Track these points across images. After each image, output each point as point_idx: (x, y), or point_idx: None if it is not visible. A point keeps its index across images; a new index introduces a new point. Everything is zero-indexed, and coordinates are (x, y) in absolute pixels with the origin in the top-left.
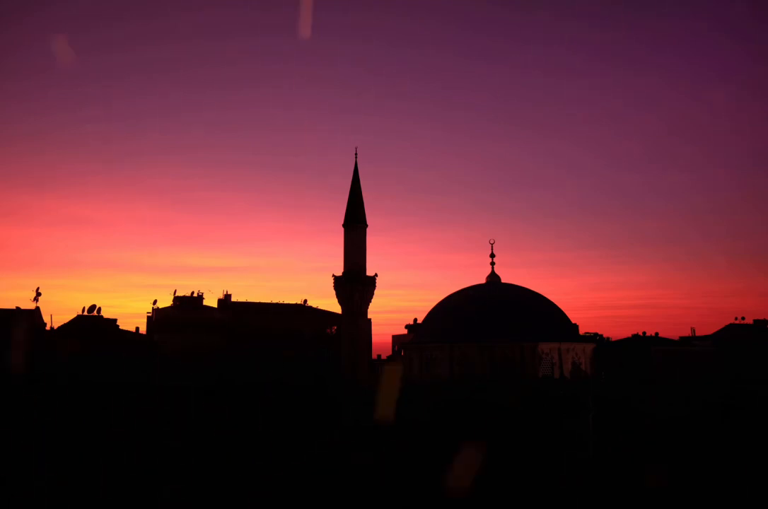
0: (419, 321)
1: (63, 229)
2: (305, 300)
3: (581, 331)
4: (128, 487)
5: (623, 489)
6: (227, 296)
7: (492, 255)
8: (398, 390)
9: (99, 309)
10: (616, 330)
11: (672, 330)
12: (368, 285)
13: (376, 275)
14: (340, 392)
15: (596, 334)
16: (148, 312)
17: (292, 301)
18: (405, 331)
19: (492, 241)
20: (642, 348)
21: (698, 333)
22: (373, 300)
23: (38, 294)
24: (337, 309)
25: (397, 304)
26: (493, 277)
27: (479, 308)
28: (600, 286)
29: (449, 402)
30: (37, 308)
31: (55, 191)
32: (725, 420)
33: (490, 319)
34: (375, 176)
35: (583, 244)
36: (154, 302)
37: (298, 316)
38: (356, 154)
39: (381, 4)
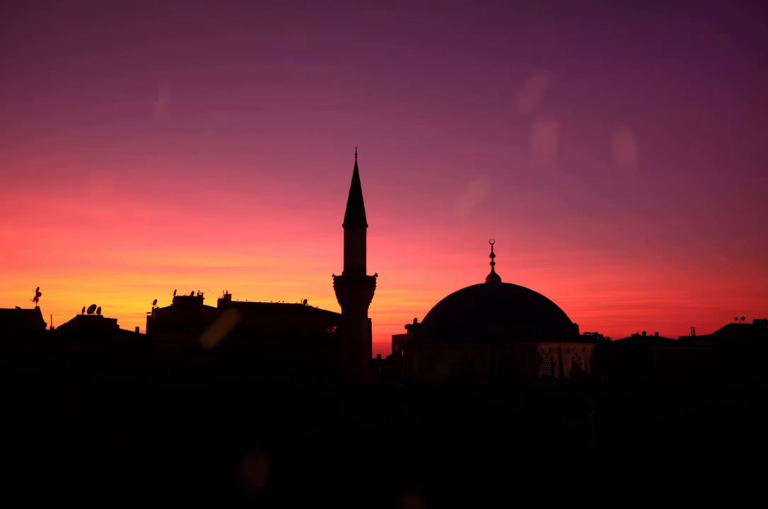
0: (419, 321)
1: (63, 228)
2: (305, 300)
3: (581, 331)
4: (127, 486)
5: (623, 489)
6: (227, 296)
7: (492, 255)
8: None
9: (99, 309)
10: (616, 330)
11: (672, 330)
12: (368, 285)
13: (376, 275)
14: (340, 392)
15: (596, 334)
16: (148, 312)
17: (292, 301)
18: (405, 331)
19: (492, 241)
20: (642, 348)
21: (698, 333)
22: (373, 300)
23: (38, 294)
24: (337, 309)
25: (397, 304)
26: (493, 277)
27: (479, 308)
28: (600, 286)
29: (449, 402)
30: (37, 308)
31: (55, 191)
32: (725, 420)
33: (490, 319)
34: (375, 176)
35: (583, 244)
36: (154, 302)
37: (298, 316)
38: (356, 154)
39: (381, 4)
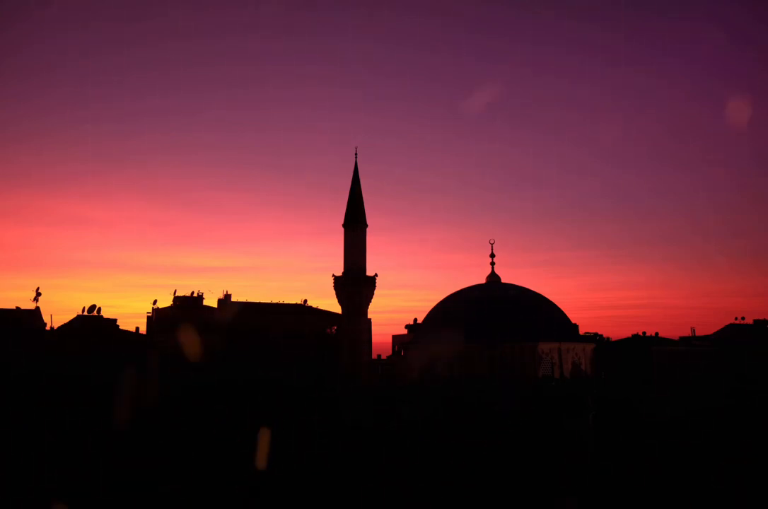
0: (419, 321)
1: (63, 228)
2: (305, 300)
3: (581, 331)
4: (127, 487)
5: (623, 489)
6: (227, 296)
7: (492, 255)
8: None
9: (99, 309)
10: (616, 330)
11: (672, 330)
12: (368, 285)
13: (376, 275)
14: (340, 392)
15: (596, 334)
16: (148, 312)
17: (292, 301)
18: (405, 331)
19: (492, 241)
20: (642, 348)
21: (698, 333)
22: (373, 300)
23: (38, 294)
24: (337, 309)
25: (397, 304)
26: (493, 277)
27: (479, 308)
28: (600, 286)
29: (449, 401)
30: (37, 308)
31: (55, 191)
32: (726, 421)
33: (490, 319)
34: (375, 176)
35: (583, 244)
36: (154, 302)
37: (298, 316)
38: (356, 154)
39: (381, 4)
